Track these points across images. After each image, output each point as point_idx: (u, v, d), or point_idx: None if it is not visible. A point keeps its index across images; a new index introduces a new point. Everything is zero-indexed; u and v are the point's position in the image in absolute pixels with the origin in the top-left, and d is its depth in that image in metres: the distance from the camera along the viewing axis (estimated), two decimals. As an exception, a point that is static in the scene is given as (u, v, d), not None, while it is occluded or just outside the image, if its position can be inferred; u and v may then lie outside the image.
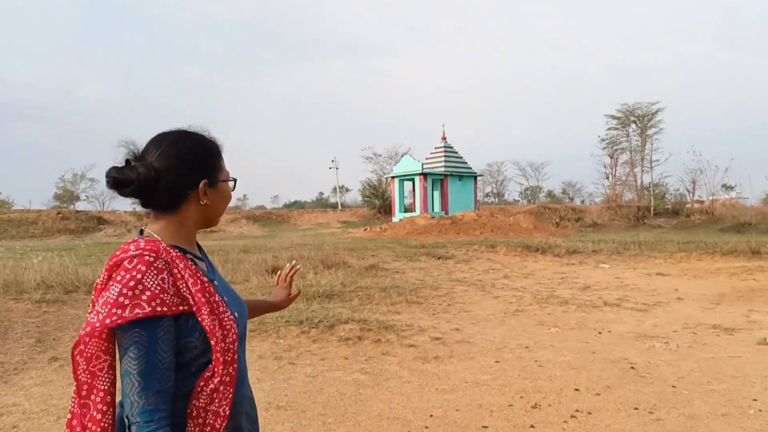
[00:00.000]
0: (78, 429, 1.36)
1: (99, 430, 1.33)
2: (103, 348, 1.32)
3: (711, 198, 39.41)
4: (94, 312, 1.31)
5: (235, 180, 1.60)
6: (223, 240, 24.85)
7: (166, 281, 1.33)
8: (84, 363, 1.33)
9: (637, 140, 42.41)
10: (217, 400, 1.36)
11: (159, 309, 1.30)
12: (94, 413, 1.33)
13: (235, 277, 10.27)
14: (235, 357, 1.40)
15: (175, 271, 1.36)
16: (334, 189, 69.39)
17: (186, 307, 1.35)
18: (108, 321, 1.27)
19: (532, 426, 3.98)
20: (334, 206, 60.26)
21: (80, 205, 53.58)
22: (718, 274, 12.33)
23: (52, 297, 7.82)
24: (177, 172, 1.44)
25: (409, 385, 4.92)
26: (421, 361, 5.65)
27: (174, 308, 1.33)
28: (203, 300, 1.35)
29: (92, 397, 1.34)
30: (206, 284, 1.41)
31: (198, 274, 1.41)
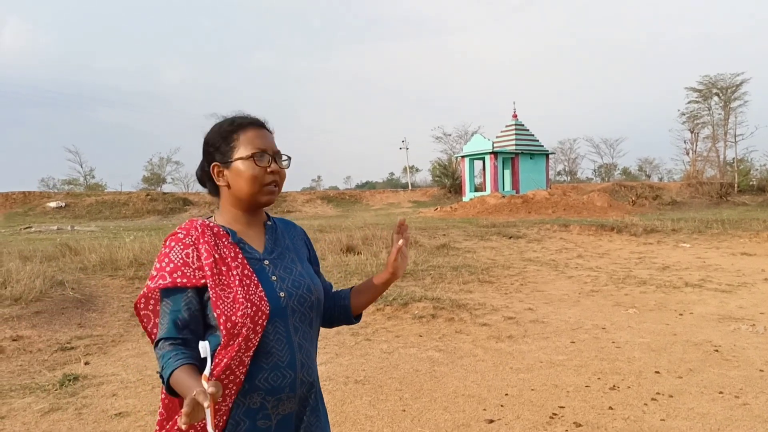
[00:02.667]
0: None
1: None
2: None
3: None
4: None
5: (255, 154, 1.52)
6: (300, 220, 25.51)
7: (190, 255, 1.46)
8: (153, 317, 1.56)
9: (719, 114, 40.21)
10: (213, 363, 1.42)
11: (179, 280, 1.43)
12: None
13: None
14: (246, 332, 1.41)
15: (199, 245, 1.48)
16: (405, 169, 69.55)
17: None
18: (142, 292, 1.50)
19: (610, 408, 3.95)
20: (405, 186, 60.43)
21: (167, 187, 56.27)
22: (812, 254, 11.61)
23: (144, 274, 8.34)
24: (202, 162, 1.63)
25: (483, 364, 4.97)
26: (495, 340, 5.68)
27: (194, 280, 1.44)
28: (209, 272, 1.44)
29: None
30: (227, 259, 1.48)
31: (221, 250, 1.49)
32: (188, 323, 1.44)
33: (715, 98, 40.25)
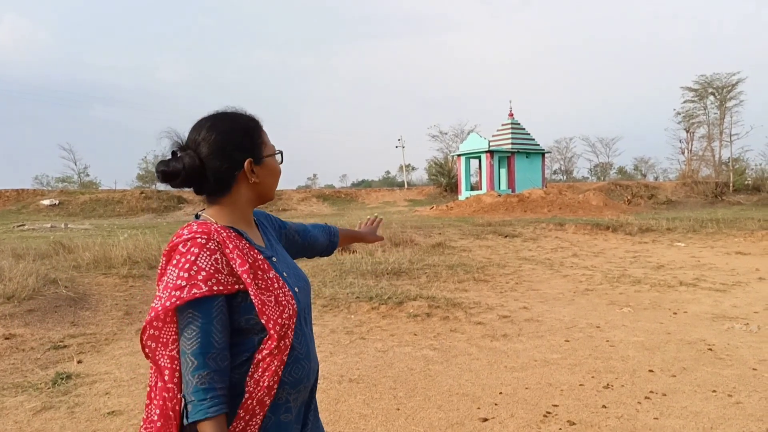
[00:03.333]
0: (155, 403, 1.40)
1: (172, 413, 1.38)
2: (177, 332, 1.37)
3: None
4: (157, 298, 1.36)
5: (281, 152, 1.60)
6: (295, 218, 25.45)
7: (219, 261, 1.36)
8: (161, 348, 1.37)
9: (715, 113, 40.28)
10: (260, 370, 1.39)
11: (216, 288, 1.34)
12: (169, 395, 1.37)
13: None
14: (290, 332, 1.43)
15: (227, 251, 1.39)
16: (401, 168, 69.56)
17: (242, 285, 1.38)
18: (168, 303, 1.32)
19: (604, 406, 3.95)
20: (401, 185, 60.54)
21: (161, 185, 56.03)
22: (806, 253, 11.65)
23: (137, 272, 8.31)
24: (221, 156, 1.45)
25: (477, 362, 4.97)
26: (490, 339, 5.68)
27: (230, 287, 1.36)
28: (249, 280, 1.37)
29: (174, 380, 1.36)
30: (258, 262, 1.44)
31: (248, 253, 1.43)
32: (220, 334, 1.35)
33: (711, 98, 40.35)
